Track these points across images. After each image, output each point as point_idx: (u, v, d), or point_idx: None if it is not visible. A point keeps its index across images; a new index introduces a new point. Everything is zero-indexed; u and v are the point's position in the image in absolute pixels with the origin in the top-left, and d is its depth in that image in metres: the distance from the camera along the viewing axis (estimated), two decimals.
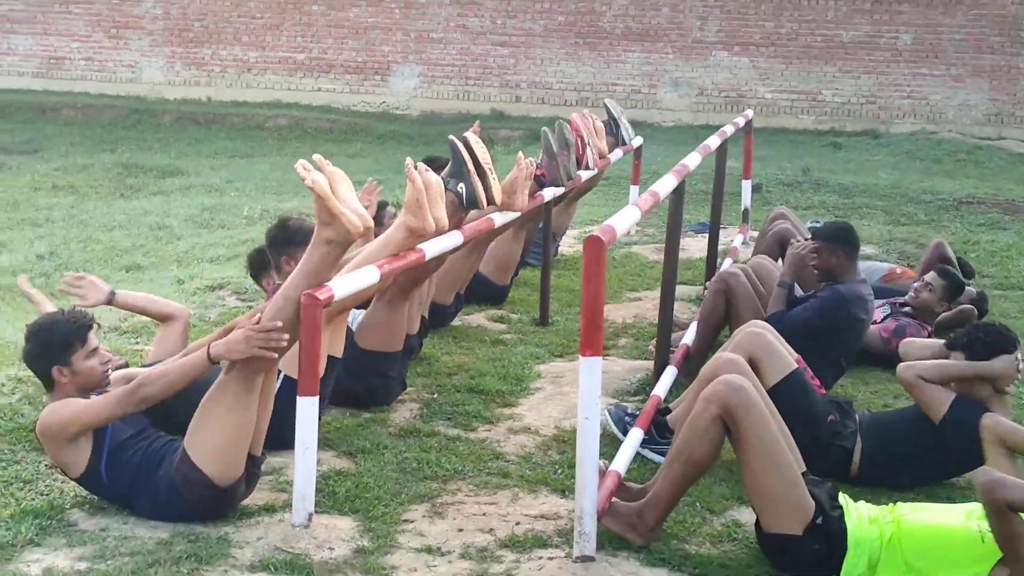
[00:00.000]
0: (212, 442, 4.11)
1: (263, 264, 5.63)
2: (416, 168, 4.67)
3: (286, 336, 4.02)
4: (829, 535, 3.92)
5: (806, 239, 6.32)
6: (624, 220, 4.21)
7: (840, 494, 4.15)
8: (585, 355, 3.78)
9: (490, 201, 5.42)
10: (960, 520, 3.89)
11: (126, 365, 4.94)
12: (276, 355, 4.07)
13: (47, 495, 4.33)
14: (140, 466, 4.19)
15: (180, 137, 18.96)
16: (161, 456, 4.22)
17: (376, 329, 5.55)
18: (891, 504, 4.12)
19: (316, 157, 4.18)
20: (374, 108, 21.23)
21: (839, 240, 5.92)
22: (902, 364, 4.90)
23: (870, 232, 10.58)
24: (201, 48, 21.64)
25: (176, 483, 4.11)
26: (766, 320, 5.70)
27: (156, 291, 8.24)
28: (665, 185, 5.16)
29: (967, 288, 7.07)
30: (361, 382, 5.44)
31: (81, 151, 17.14)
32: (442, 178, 5.26)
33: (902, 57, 19.87)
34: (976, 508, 3.86)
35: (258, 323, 4.05)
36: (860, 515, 4.01)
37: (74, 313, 4.32)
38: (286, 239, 5.37)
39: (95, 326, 4.28)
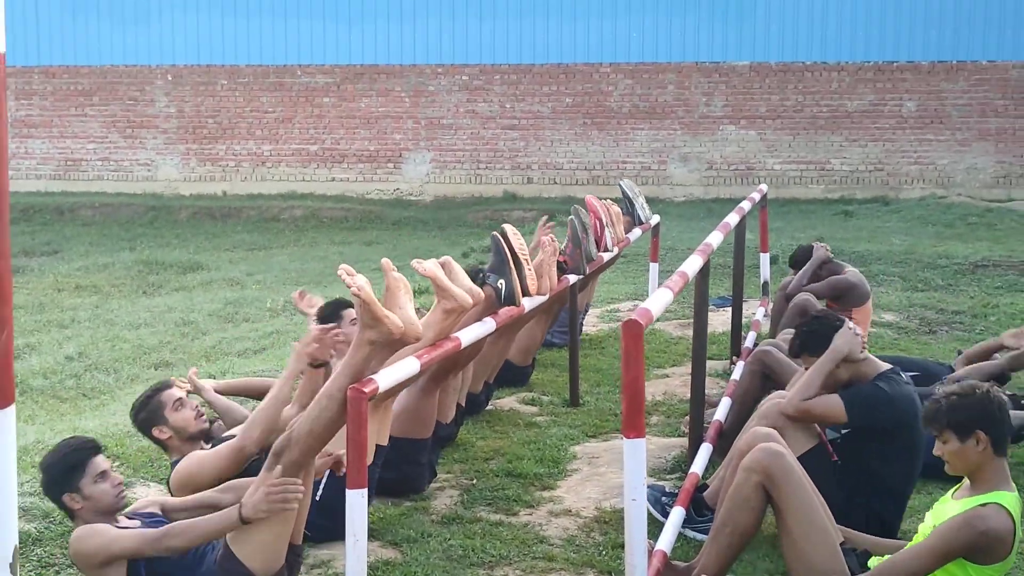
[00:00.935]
0: (256, 537, 4.16)
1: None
2: (422, 262, 4.85)
3: (301, 488, 4.12)
4: None
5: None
6: (658, 302, 4.30)
7: (873, 558, 4.19)
8: (629, 437, 3.85)
9: (524, 293, 5.52)
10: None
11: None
12: (294, 506, 4.14)
13: None
14: (180, 564, 4.24)
15: (198, 232, 19.21)
16: (203, 553, 4.28)
17: (407, 416, 5.62)
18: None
19: (384, 262, 4.31)
20: (388, 195, 21.50)
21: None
22: (778, 406, 4.95)
23: (889, 299, 10.66)
24: (215, 144, 21.99)
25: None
26: None
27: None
28: (692, 265, 5.25)
29: None
30: (393, 470, 5.49)
31: (101, 250, 17.37)
32: (484, 272, 5.39)
33: (907, 124, 20.12)
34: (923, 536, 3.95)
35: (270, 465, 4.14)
36: None
37: (76, 440, 4.42)
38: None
39: (101, 450, 4.36)
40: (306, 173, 21.77)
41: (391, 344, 4.26)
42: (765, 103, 20.53)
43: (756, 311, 9.52)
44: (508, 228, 5.54)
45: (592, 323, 9.83)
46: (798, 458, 4.68)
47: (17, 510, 1.99)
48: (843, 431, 4.96)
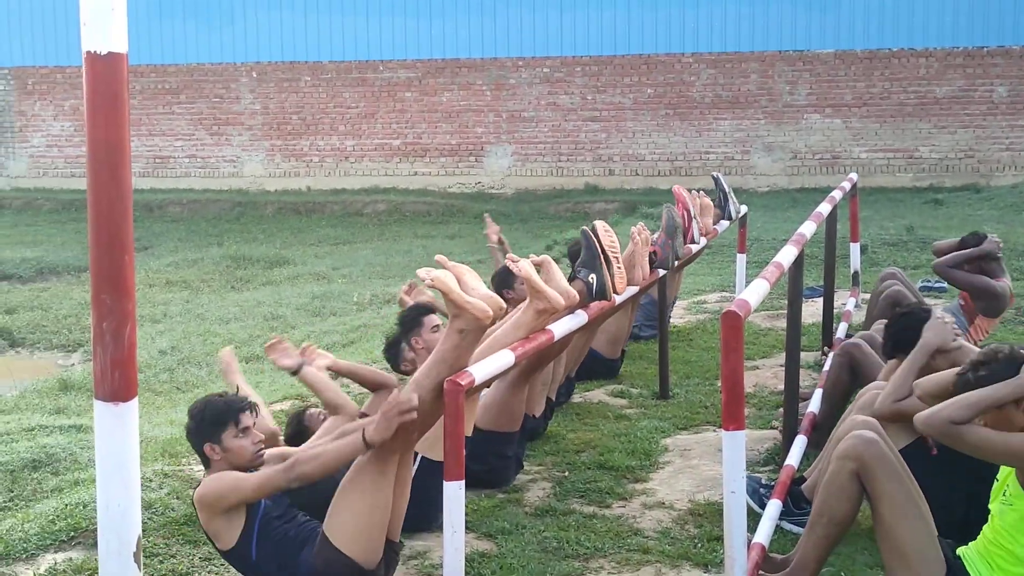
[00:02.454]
0: (351, 525, 4.21)
1: (396, 354, 5.73)
2: (517, 261, 4.88)
3: (415, 403, 4.12)
4: None
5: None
6: (756, 293, 4.26)
7: (958, 548, 4.11)
8: (728, 429, 3.82)
9: (614, 290, 5.51)
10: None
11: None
12: (412, 416, 4.17)
13: None
14: (285, 546, 4.29)
15: (283, 227, 19.45)
16: (304, 539, 4.33)
17: (496, 410, 5.64)
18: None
19: (439, 258, 4.36)
20: (469, 189, 21.57)
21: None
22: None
23: None
24: (299, 140, 22.23)
25: (317, 567, 4.20)
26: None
27: (279, 382, 8.48)
28: (787, 256, 5.20)
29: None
30: (480, 462, 5.49)
31: (189, 246, 17.67)
32: (574, 267, 5.39)
33: (999, 110, 19.70)
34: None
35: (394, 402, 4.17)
36: (974, 559, 3.97)
37: (229, 396, 4.48)
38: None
39: (251, 410, 4.40)
40: (388, 167, 21.92)
41: (480, 329, 4.28)
42: (851, 91, 20.22)
43: (847, 301, 9.39)
44: (599, 225, 5.52)
45: (679, 315, 9.77)
46: (901, 450, 4.61)
47: (141, 502, 2.03)
48: None
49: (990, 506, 3.95)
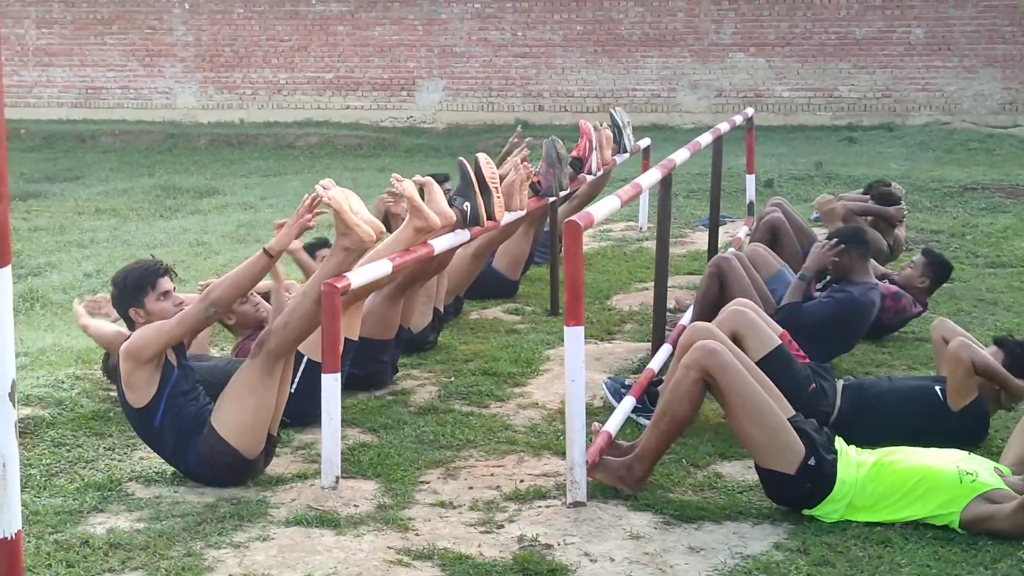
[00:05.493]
0: (237, 418, 4.70)
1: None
2: (401, 180, 5.33)
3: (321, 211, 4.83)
4: (819, 476, 4.40)
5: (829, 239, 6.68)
6: (603, 208, 4.75)
7: (838, 439, 4.63)
8: (569, 325, 4.32)
9: (490, 217, 5.94)
10: (941, 462, 4.38)
11: None
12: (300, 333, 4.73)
13: (107, 472, 4.91)
14: (186, 423, 4.74)
15: (215, 159, 19.65)
16: (203, 422, 4.78)
17: (371, 319, 6.04)
18: (876, 449, 4.60)
19: (320, 185, 4.83)
20: (401, 123, 21.85)
21: (854, 241, 6.45)
22: (959, 342, 5.15)
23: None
24: (232, 72, 22.36)
25: (204, 453, 4.69)
26: (779, 309, 6.21)
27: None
28: (648, 178, 5.69)
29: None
30: (358, 367, 5.91)
31: (120, 176, 17.84)
32: (449, 197, 5.84)
33: (915, 51, 20.27)
34: (963, 456, 4.39)
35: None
36: (850, 460, 4.49)
37: (146, 260, 4.88)
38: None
39: (169, 272, 4.83)
40: (321, 101, 22.14)
41: (362, 250, 4.78)
42: (774, 30, 20.70)
43: (740, 230, 9.92)
44: (482, 157, 5.95)
45: (584, 241, 10.23)
46: (759, 361, 5.12)
47: (14, 355, 2.46)
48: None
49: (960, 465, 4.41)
